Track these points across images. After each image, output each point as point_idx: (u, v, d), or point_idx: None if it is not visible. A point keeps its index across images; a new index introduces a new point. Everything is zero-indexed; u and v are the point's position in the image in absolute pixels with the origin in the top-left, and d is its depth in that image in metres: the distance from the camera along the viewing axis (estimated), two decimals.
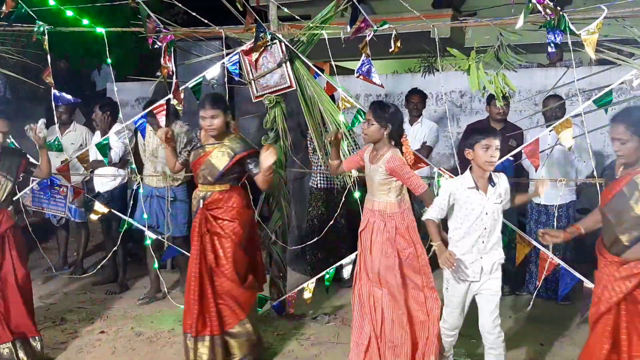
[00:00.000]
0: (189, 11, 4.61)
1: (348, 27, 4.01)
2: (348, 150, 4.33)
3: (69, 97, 4.65)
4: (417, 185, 3.39)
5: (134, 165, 4.87)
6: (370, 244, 3.49)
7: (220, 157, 3.68)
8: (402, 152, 3.48)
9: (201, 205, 3.71)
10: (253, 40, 4.23)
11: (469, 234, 3.25)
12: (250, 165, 3.71)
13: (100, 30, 4.48)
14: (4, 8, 4.28)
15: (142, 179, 4.82)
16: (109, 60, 4.54)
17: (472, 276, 3.28)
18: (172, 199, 4.99)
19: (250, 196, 3.99)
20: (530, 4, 3.40)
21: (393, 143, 3.47)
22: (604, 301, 2.87)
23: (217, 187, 3.72)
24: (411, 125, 5.63)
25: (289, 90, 4.34)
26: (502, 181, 3.31)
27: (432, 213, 3.30)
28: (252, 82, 4.37)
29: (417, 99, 5.69)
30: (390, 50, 3.86)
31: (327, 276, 4.36)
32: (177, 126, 4.91)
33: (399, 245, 3.43)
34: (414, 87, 5.82)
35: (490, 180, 3.25)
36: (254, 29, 4.20)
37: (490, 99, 5.20)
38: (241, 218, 3.72)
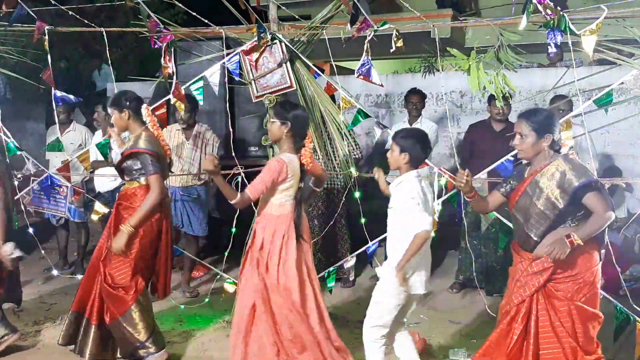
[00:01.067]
0: (189, 11, 4.61)
1: (349, 26, 4.00)
2: (348, 150, 4.34)
3: (69, 96, 4.65)
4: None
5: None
6: None
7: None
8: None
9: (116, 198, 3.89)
10: (254, 40, 4.23)
11: None
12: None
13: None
14: (3, 7, 4.27)
15: None
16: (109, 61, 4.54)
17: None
18: (195, 196, 5.05)
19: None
20: (531, 5, 3.40)
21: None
22: (516, 295, 3.04)
23: (126, 182, 3.83)
24: (410, 125, 5.63)
25: (289, 90, 4.33)
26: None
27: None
28: (252, 82, 4.37)
29: (416, 99, 5.71)
30: (392, 50, 3.85)
31: (328, 276, 4.37)
32: (202, 128, 4.98)
33: None
34: (413, 87, 5.82)
35: None
36: (255, 29, 4.20)
37: (491, 99, 5.21)
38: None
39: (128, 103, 3.74)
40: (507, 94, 3.95)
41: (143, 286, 3.76)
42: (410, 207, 3.10)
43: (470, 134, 5.41)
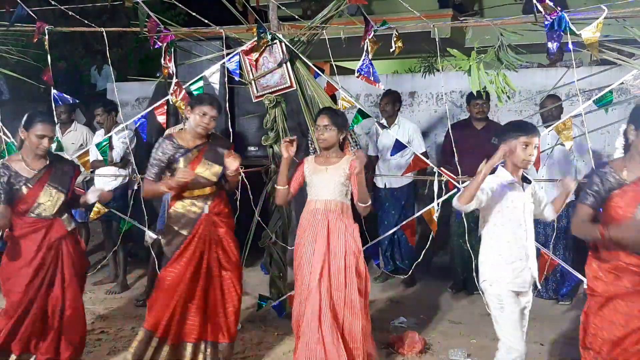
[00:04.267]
0: (190, 12, 4.61)
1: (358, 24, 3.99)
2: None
3: (67, 97, 4.65)
4: None
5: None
6: None
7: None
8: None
9: (207, 211, 3.56)
10: (254, 40, 4.23)
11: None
12: None
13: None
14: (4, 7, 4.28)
15: (142, 179, 4.82)
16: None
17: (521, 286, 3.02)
18: None
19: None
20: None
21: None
22: None
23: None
24: (389, 126, 5.50)
25: (289, 90, 4.34)
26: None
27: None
28: (252, 82, 4.37)
29: (384, 102, 5.59)
30: (392, 50, 3.86)
31: None
32: None
33: None
34: (387, 89, 5.59)
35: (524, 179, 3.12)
36: (255, 29, 4.20)
37: (470, 98, 5.23)
38: None
39: None
40: (500, 95, 3.94)
41: None
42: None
43: (452, 133, 5.40)
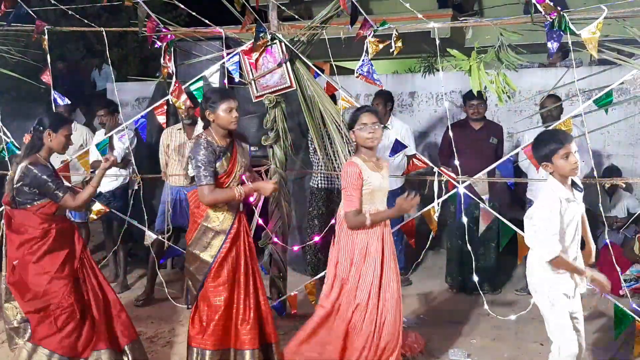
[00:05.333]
0: (190, 12, 4.62)
1: (349, 26, 4.00)
2: (349, 151, 4.33)
3: (64, 98, 4.64)
4: None
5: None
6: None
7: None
8: None
9: (242, 209, 3.47)
10: (253, 40, 4.24)
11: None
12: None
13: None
14: (2, 6, 4.28)
15: (153, 179, 4.80)
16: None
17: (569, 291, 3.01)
18: None
19: None
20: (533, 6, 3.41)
21: None
22: None
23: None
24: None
25: (289, 90, 4.34)
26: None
27: (556, 247, 2.89)
28: (252, 82, 4.37)
29: (376, 102, 5.54)
30: (391, 50, 3.85)
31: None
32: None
33: None
34: (379, 89, 5.47)
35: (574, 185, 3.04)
36: (254, 29, 4.20)
37: (466, 99, 5.22)
38: None
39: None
40: (500, 95, 3.94)
41: None
42: None
43: (449, 134, 5.39)
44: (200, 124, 5.21)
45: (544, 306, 3.04)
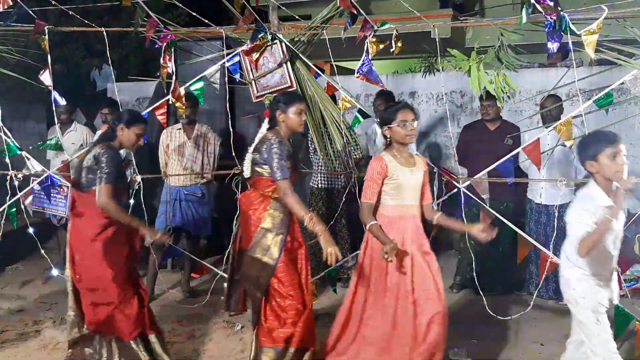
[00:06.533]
0: (190, 12, 4.62)
1: (348, 26, 4.00)
2: (349, 151, 4.34)
3: (60, 98, 4.63)
4: None
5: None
6: None
7: None
8: None
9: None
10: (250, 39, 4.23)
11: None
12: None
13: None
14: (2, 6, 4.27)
15: (142, 179, 4.82)
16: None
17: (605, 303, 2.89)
18: (199, 195, 5.04)
19: None
20: (531, 6, 3.40)
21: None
22: None
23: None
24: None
25: (289, 90, 4.34)
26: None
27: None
28: (252, 82, 4.37)
29: (377, 102, 5.59)
30: (392, 50, 3.86)
31: (329, 276, 4.37)
32: (203, 128, 4.97)
33: None
34: (380, 90, 5.48)
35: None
36: (253, 29, 4.20)
37: (481, 100, 5.22)
38: None
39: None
40: (499, 95, 3.93)
41: None
42: None
43: (465, 134, 5.40)
44: (200, 124, 5.23)
45: (590, 321, 2.87)
